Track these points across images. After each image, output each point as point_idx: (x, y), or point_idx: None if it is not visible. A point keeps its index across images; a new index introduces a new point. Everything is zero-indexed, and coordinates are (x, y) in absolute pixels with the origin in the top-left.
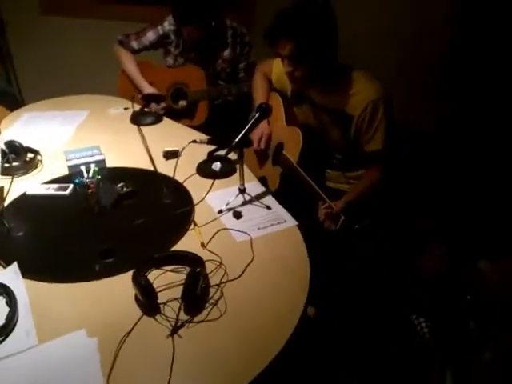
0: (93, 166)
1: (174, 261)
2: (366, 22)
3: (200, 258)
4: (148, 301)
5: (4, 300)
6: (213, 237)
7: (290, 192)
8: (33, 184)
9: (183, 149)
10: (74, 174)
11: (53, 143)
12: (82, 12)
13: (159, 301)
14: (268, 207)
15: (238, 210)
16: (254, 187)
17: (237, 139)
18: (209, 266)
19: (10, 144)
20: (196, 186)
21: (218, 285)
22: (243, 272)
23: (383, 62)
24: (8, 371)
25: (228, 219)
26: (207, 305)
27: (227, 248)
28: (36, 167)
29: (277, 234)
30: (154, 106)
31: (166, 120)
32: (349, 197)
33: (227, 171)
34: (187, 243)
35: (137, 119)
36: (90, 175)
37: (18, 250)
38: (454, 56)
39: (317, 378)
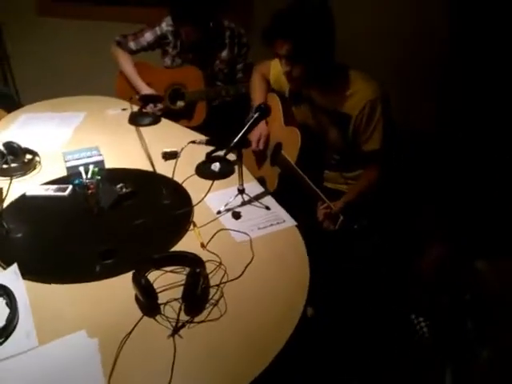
0: (91, 167)
1: (174, 261)
2: (366, 22)
3: (200, 259)
4: (148, 301)
5: (4, 301)
6: (212, 237)
7: (289, 192)
8: (31, 185)
9: (182, 149)
10: (72, 175)
11: (51, 144)
12: (79, 13)
13: (159, 301)
14: (267, 207)
15: (237, 210)
16: (253, 187)
17: (236, 140)
18: (209, 267)
19: (9, 145)
20: (195, 186)
21: (218, 285)
22: (243, 272)
23: (382, 61)
24: (9, 372)
25: (227, 220)
26: (207, 305)
27: (227, 248)
28: (34, 168)
29: (276, 234)
30: (151, 106)
31: (164, 121)
32: (347, 197)
33: (226, 172)
34: (187, 244)
35: (135, 120)
36: (89, 176)
37: (18, 251)
38: (453, 56)
39: (316, 378)
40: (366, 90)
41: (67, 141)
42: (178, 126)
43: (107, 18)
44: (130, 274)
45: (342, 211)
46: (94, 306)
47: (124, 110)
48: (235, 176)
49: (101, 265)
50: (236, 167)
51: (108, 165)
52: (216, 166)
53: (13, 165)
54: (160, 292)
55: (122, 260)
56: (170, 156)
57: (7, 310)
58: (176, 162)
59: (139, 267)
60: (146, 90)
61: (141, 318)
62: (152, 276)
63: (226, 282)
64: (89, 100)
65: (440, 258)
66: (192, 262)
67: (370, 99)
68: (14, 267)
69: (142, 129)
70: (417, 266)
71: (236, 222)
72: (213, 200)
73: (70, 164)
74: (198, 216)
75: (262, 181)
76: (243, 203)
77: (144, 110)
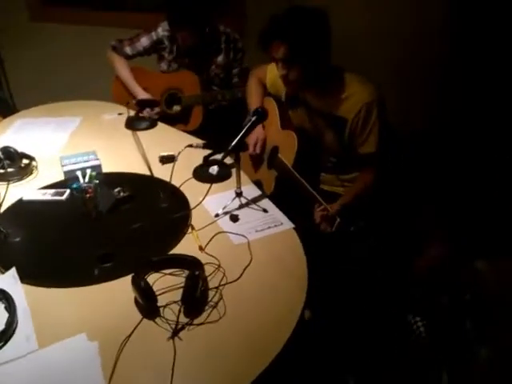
0: (89, 172)
1: (173, 264)
2: (365, 23)
3: (199, 261)
4: (148, 304)
5: (3, 305)
6: (211, 240)
7: (285, 195)
8: (29, 190)
9: (179, 153)
10: (69, 180)
11: (47, 149)
12: (74, 18)
13: (159, 304)
14: (265, 210)
15: (235, 213)
16: (251, 191)
17: (233, 143)
18: (207, 269)
19: (5, 150)
20: (192, 190)
21: (217, 287)
22: (241, 274)
23: (382, 62)
24: (9, 376)
25: (225, 222)
26: (207, 307)
27: (225, 251)
28: (31, 173)
29: (274, 237)
30: (148, 111)
31: (160, 125)
32: (344, 199)
33: (223, 175)
34: (185, 247)
35: (132, 124)
36: (87, 180)
37: (16, 256)
38: (453, 56)
39: (314, 378)
40: (361, 92)
41: (64, 145)
42: (175, 130)
43: (102, 23)
44: (128, 278)
45: (339, 214)
46: (94, 309)
47: (120, 114)
48: (232, 179)
49: (99, 268)
50: (233, 170)
51: (105, 169)
52: (214, 170)
53: (9, 170)
54: (159, 294)
55: (121, 263)
56: (167, 160)
57: (6, 314)
58: (173, 166)
59: (138, 270)
60: (142, 94)
61: (140, 321)
62: (151, 279)
63: (224, 285)
64: (84, 105)
65: (439, 257)
66: (191, 264)
67: (366, 102)
68: (13, 271)
69: (139, 133)
70: (415, 266)
71: (234, 224)
72: (210, 203)
73: (67, 168)
74: (196, 219)
75: (258, 184)
76: (241, 206)
77: (141, 115)
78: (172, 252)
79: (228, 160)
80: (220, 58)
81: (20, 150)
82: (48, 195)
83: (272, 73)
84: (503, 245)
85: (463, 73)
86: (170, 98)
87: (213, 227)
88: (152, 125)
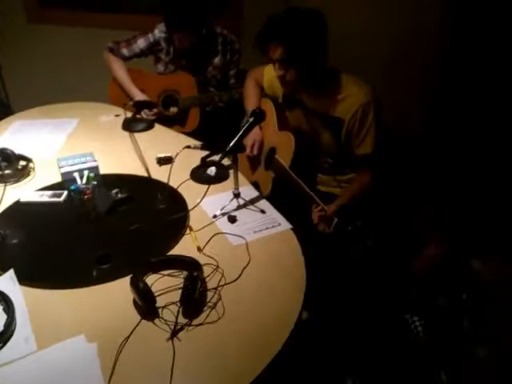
0: (86, 173)
1: (172, 265)
2: (361, 23)
3: (197, 262)
4: (147, 305)
5: (1, 307)
6: (209, 241)
7: (283, 196)
8: (26, 192)
9: (177, 154)
10: (67, 181)
11: (44, 151)
12: (71, 20)
13: (157, 305)
14: (262, 211)
15: (233, 214)
16: (248, 192)
17: (231, 144)
18: (206, 270)
19: (2, 152)
20: (190, 191)
21: (215, 288)
22: (240, 275)
23: (377, 62)
24: (8, 378)
25: (223, 223)
26: (205, 308)
27: (223, 252)
28: (28, 175)
29: (272, 237)
30: (146, 112)
31: (157, 126)
32: (341, 200)
33: (221, 176)
34: (183, 248)
35: (129, 126)
36: (84, 181)
37: (14, 257)
38: (449, 56)
39: (313, 378)
40: (358, 94)
41: (61, 147)
42: (172, 132)
43: (99, 25)
44: (127, 279)
45: (336, 214)
46: (92, 310)
47: (117, 116)
48: (230, 180)
49: (97, 269)
50: (231, 172)
51: (102, 170)
52: (212, 171)
53: (6, 171)
54: (158, 296)
55: (119, 265)
56: (164, 161)
57: (5, 316)
58: (171, 167)
59: (137, 271)
60: (139, 96)
61: (139, 322)
62: (149, 280)
63: (223, 285)
64: (81, 106)
65: (436, 257)
66: (189, 265)
67: (363, 103)
68: (11, 273)
69: (136, 134)
70: (412, 265)
71: (232, 225)
72: (208, 204)
73: (64, 170)
74: (194, 220)
75: (255, 185)
76: (239, 207)
77: (138, 116)
78: (170, 253)
79: (225, 161)
80: (217, 60)
81: (17, 151)
82: (45, 197)
83: (269, 74)
84: (500, 244)
85: (460, 72)
86: (166, 99)
87: (211, 228)
88: (149, 126)
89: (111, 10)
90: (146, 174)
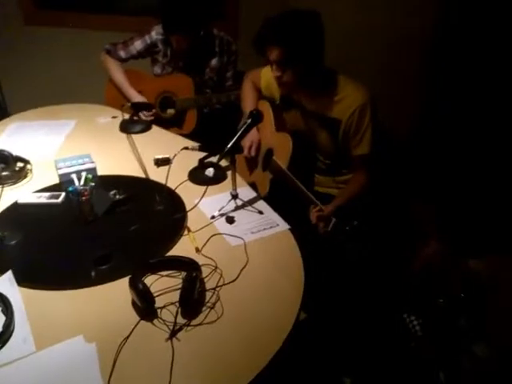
0: (84, 174)
1: (170, 266)
2: (355, 24)
3: (196, 263)
4: (146, 305)
5: (0, 308)
6: (207, 242)
7: (280, 197)
8: (23, 193)
9: (175, 156)
10: (64, 183)
11: (42, 152)
12: (68, 22)
13: (156, 305)
14: (260, 212)
15: (231, 215)
16: (246, 193)
17: (229, 145)
18: (204, 271)
19: (0, 153)
20: (188, 192)
21: (214, 288)
22: (238, 275)
23: (372, 63)
24: (6, 379)
25: (221, 224)
26: (204, 308)
27: (222, 252)
28: (26, 176)
29: (270, 238)
30: (144, 113)
31: (154, 128)
32: (338, 201)
33: (218, 177)
34: (182, 249)
35: (126, 127)
36: (82, 183)
37: (12, 259)
38: (443, 57)
39: (311, 378)
40: (355, 95)
41: (58, 148)
42: (169, 133)
43: (96, 27)
44: (125, 280)
45: (333, 214)
46: (91, 311)
47: (114, 117)
48: (227, 182)
49: (96, 271)
50: (228, 173)
51: (100, 172)
52: (210, 172)
53: (4, 173)
54: (157, 296)
55: (118, 266)
56: (162, 162)
57: (3, 317)
58: (169, 168)
59: (135, 272)
60: (137, 97)
61: (138, 322)
62: (148, 281)
63: (221, 286)
64: (78, 108)
65: (435, 257)
66: (188, 266)
67: (360, 104)
68: (9, 274)
69: (134, 136)
70: (410, 265)
71: (230, 226)
72: (206, 205)
73: (62, 171)
74: (192, 221)
75: (253, 186)
76: (237, 208)
77: (135, 118)
78: (169, 254)
79: (223, 162)
80: (214, 61)
81: (15, 153)
82: (43, 198)
83: (266, 76)
84: (497, 243)
85: (454, 71)
86: (164, 101)
87: (209, 229)
88: (146, 128)
89: (108, 12)
90: (143, 176)
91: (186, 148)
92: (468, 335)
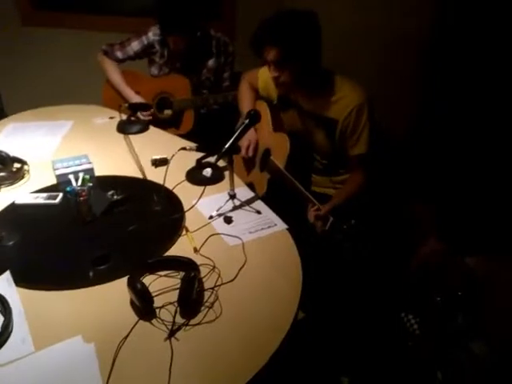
0: (81, 175)
1: (168, 266)
2: (352, 24)
3: (194, 263)
4: (144, 305)
5: None
6: (205, 241)
7: (278, 197)
8: (21, 194)
9: (173, 156)
10: (62, 183)
11: (39, 153)
12: (64, 22)
13: (155, 305)
14: (258, 212)
15: (229, 215)
16: (244, 193)
17: (226, 146)
18: (203, 270)
19: None
20: (186, 192)
21: (212, 288)
22: (236, 275)
23: (368, 63)
24: (5, 379)
25: (219, 224)
26: (203, 308)
27: (220, 252)
28: (23, 177)
29: (268, 238)
30: (144, 114)
31: (152, 128)
32: (335, 200)
33: (216, 178)
34: (180, 249)
35: (123, 128)
36: (79, 183)
37: (10, 259)
38: (440, 56)
39: (309, 378)
40: (352, 95)
41: (55, 149)
42: (166, 134)
43: (94, 28)
44: (123, 280)
45: (331, 214)
46: (90, 311)
47: (111, 118)
48: (225, 182)
49: (94, 271)
50: (226, 173)
51: (97, 173)
52: (208, 172)
53: (1, 174)
54: (155, 296)
55: (116, 266)
56: (159, 163)
57: (1, 318)
58: (167, 169)
59: (134, 272)
60: (134, 98)
61: (137, 322)
62: (146, 281)
63: (220, 285)
64: (75, 109)
65: (431, 255)
66: (186, 266)
67: (356, 104)
68: (7, 275)
69: (131, 137)
70: (409, 263)
71: (228, 226)
72: (204, 205)
73: (59, 172)
74: (190, 221)
75: (251, 186)
76: (234, 208)
77: (132, 118)
78: (167, 254)
79: (221, 163)
80: (211, 62)
81: (12, 154)
82: (41, 199)
83: (263, 76)
84: (495, 242)
85: (451, 71)
86: (161, 102)
87: (207, 229)
88: (144, 128)
89: (105, 13)
90: (141, 176)
91: (184, 148)
92: (465, 333)
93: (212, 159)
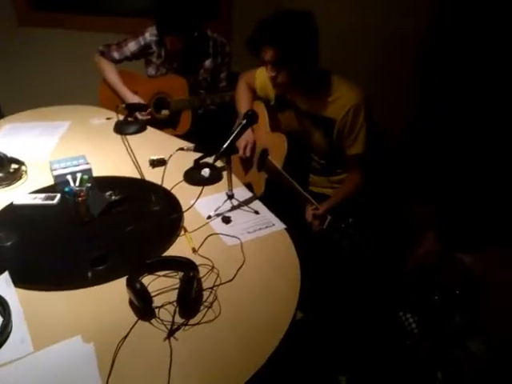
0: (79, 176)
1: (167, 266)
2: (350, 25)
3: (193, 263)
4: (143, 305)
5: None
6: (204, 242)
7: (276, 197)
8: (18, 194)
9: (170, 156)
10: (59, 184)
11: (36, 154)
12: (61, 23)
13: (154, 305)
14: (256, 212)
15: (227, 215)
16: (242, 193)
17: (224, 146)
18: (201, 270)
19: None
20: (184, 192)
21: (211, 288)
22: (235, 275)
23: (366, 63)
24: (4, 379)
25: (217, 224)
26: (202, 307)
27: (218, 252)
28: (21, 178)
29: (266, 238)
30: (142, 114)
31: (149, 129)
32: (333, 200)
33: (214, 178)
34: (178, 249)
35: (121, 128)
36: (77, 184)
37: (8, 260)
38: (438, 56)
39: (307, 377)
40: (349, 95)
41: (53, 150)
42: (164, 134)
43: (90, 28)
44: (122, 280)
45: (329, 213)
46: (89, 311)
47: (109, 119)
48: (223, 182)
49: (92, 271)
50: (224, 173)
51: (95, 173)
52: (206, 172)
53: None
54: (154, 296)
55: (114, 266)
56: (157, 163)
57: (0, 318)
58: (165, 169)
59: (132, 272)
60: (132, 98)
61: (136, 322)
62: (145, 281)
63: (218, 285)
64: (72, 109)
65: (428, 255)
66: (185, 266)
67: (354, 104)
68: (6, 275)
69: (128, 137)
70: (406, 262)
71: (226, 226)
72: (202, 205)
73: (57, 173)
74: (189, 221)
75: (248, 187)
76: (233, 208)
77: (129, 119)
78: (165, 254)
79: (219, 163)
80: (208, 62)
81: (9, 154)
82: (38, 199)
83: (261, 77)
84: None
85: (449, 71)
86: (158, 102)
87: (205, 229)
88: (141, 129)
89: (102, 14)
90: (139, 176)
91: (182, 149)
92: (463, 332)
93: (210, 159)
